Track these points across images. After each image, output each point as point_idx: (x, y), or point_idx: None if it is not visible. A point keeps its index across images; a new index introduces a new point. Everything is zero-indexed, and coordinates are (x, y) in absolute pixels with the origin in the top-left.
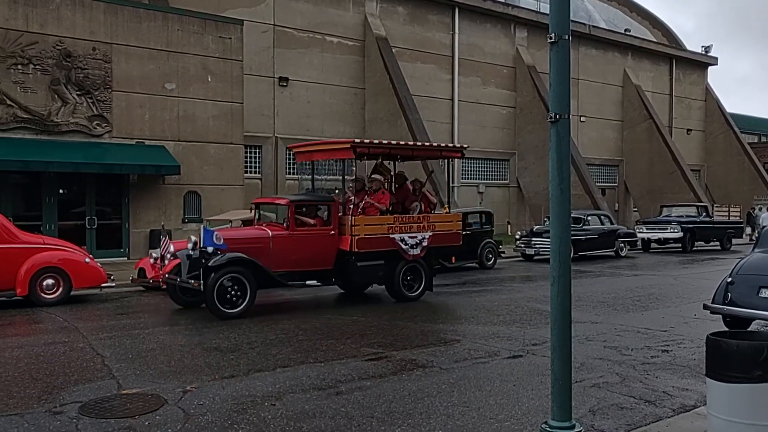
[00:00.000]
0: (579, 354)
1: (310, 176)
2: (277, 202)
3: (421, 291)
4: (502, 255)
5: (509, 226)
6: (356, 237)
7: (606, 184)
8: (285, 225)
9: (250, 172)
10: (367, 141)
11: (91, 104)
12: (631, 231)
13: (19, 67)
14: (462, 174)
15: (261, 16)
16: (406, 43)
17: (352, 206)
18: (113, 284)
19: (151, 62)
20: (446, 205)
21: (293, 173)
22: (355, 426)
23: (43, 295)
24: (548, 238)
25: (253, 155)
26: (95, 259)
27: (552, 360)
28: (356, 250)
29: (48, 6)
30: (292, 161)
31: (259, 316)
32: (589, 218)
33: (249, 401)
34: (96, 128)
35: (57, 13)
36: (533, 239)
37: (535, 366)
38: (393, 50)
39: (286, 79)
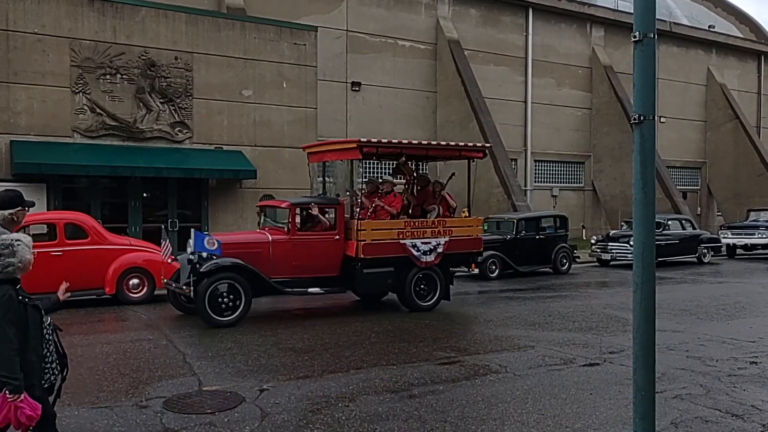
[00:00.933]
0: (660, 364)
1: (329, 178)
2: (278, 205)
3: (436, 300)
4: (577, 260)
5: (584, 230)
6: (362, 242)
7: (687, 188)
8: (286, 229)
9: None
10: (374, 140)
11: (173, 111)
12: (715, 236)
13: (108, 77)
14: (535, 177)
15: (334, 22)
16: (478, 45)
17: (359, 209)
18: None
19: (230, 70)
20: (465, 209)
21: (365, 176)
22: (428, 430)
23: (129, 293)
24: (625, 243)
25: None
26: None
27: (634, 369)
28: (362, 256)
29: (134, 18)
30: (364, 165)
31: (332, 317)
32: (669, 223)
33: (323, 401)
34: (178, 134)
35: (142, 25)
36: (610, 244)
37: (612, 375)
38: (465, 53)
39: (359, 84)
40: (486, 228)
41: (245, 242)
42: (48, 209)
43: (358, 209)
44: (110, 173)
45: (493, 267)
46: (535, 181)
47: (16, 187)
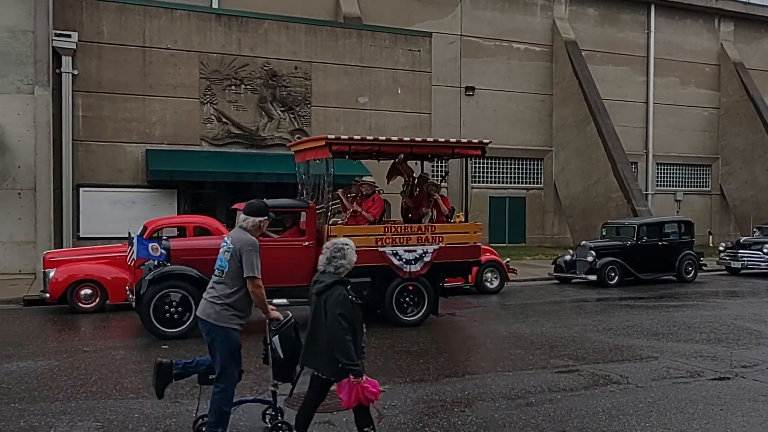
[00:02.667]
0: None
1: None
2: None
3: (423, 314)
4: (704, 268)
5: (711, 236)
6: None
7: None
8: None
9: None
10: (345, 137)
11: (293, 119)
12: None
13: (233, 87)
14: (657, 181)
15: (448, 27)
16: (596, 45)
17: (340, 214)
18: None
19: (346, 78)
20: (460, 213)
21: (479, 181)
22: None
23: None
24: (758, 250)
25: (439, 165)
26: None
27: None
28: None
29: (257, 30)
30: (476, 170)
31: (447, 321)
32: None
33: (439, 405)
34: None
35: (265, 37)
36: (740, 251)
37: (745, 390)
38: (582, 53)
39: (473, 89)
40: (605, 233)
41: (200, 248)
42: (178, 213)
43: (333, 213)
44: (235, 179)
45: (612, 274)
46: (657, 185)
47: (151, 193)
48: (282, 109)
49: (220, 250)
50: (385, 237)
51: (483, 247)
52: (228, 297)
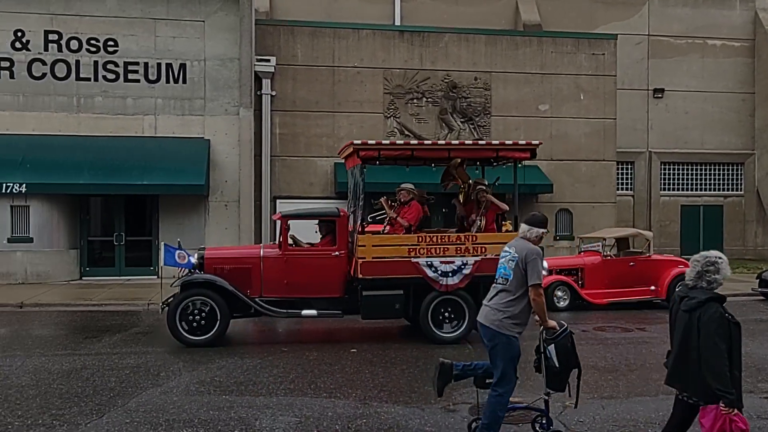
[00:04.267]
0: None
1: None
2: (275, 217)
3: (462, 332)
4: None
5: None
6: (361, 260)
7: None
8: (278, 244)
9: (622, 189)
10: (372, 142)
11: (472, 130)
12: None
13: (415, 101)
14: None
15: (634, 28)
16: None
17: (360, 222)
18: None
19: (526, 86)
20: (507, 221)
21: (668, 188)
22: None
23: None
24: None
25: (625, 171)
26: None
27: None
28: (360, 275)
29: (438, 44)
30: (666, 176)
31: (636, 338)
32: None
33: (630, 425)
34: None
35: (445, 50)
36: None
37: None
38: None
39: (661, 90)
40: None
41: (232, 257)
42: None
43: (359, 222)
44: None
45: None
46: None
47: (339, 203)
48: (462, 120)
49: (503, 259)
50: (419, 247)
51: (674, 258)
52: (511, 304)
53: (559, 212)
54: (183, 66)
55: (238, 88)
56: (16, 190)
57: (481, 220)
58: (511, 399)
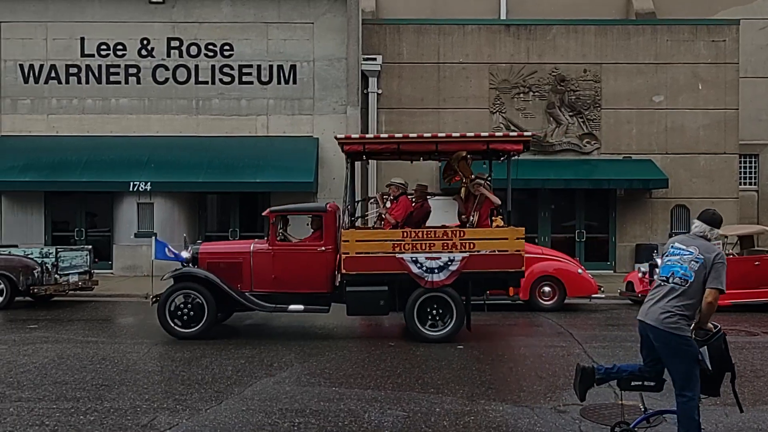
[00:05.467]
0: None
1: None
2: (264, 213)
3: (451, 329)
4: None
5: None
6: (345, 255)
7: None
8: (266, 239)
9: (745, 184)
10: (355, 136)
11: (581, 123)
12: None
13: (521, 95)
14: None
15: (758, 12)
16: None
17: (348, 218)
18: (602, 296)
19: (639, 77)
20: (498, 216)
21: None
22: None
23: (540, 300)
24: None
25: (748, 165)
26: (586, 271)
27: None
28: (344, 271)
29: (545, 37)
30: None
31: (765, 338)
32: None
33: None
34: (586, 146)
35: (553, 43)
36: None
37: None
38: None
39: None
40: None
41: (223, 252)
42: None
43: (349, 218)
44: (523, 186)
45: None
46: None
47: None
48: (570, 113)
49: (677, 257)
50: (404, 242)
51: None
52: (688, 307)
53: (675, 208)
54: (293, 67)
55: (345, 87)
56: (142, 188)
57: (474, 215)
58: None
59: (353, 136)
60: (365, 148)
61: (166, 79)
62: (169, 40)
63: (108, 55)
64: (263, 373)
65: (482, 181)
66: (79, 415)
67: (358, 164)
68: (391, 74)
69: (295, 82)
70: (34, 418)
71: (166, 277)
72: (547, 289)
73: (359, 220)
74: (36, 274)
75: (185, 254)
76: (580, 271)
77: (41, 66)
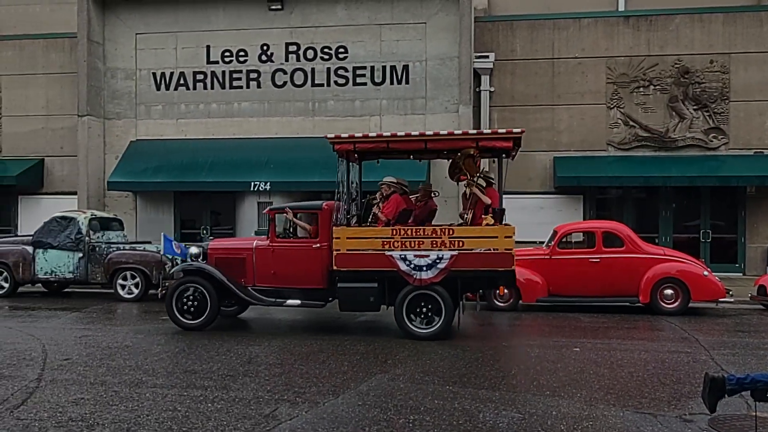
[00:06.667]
0: None
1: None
2: (265, 212)
3: (439, 327)
4: None
5: None
6: (336, 252)
7: None
8: (266, 236)
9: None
10: (345, 135)
11: (707, 117)
12: None
13: (640, 89)
14: None
15: None
16: None
17: (344, 216)
18: (731, 299)
19: None
20: (488, 216)
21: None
22: None
23: (662, 304)
24: None
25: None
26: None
27: None
28: (335, 267)
29: (667, 27)
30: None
31: None
32: None
33: None
34: (712, 141)
35: (676, 33)
36: None
37: None
38: None
39: None
40: None
41: (229, 248)
42: (584, 219)
43: (339, 215)
44: (642, 183)
45: None
46: None
47: (558, 198)
48: (695, 107)
49: None
50: (393, 240)
51: None
52: None
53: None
54: (406, 67)
55: (457, 86)
56: (262, 188)
57: (468, 214)
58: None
59: (343, 135)
60: (356, 147)
61: (285, 83)
62: (287, 45)
63: (231, 61)
64: (378, 369)
65: (475, 180)
66: (207, 403)
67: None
68: (504, 71)
69: (407, 82)
70: (168, 404)
71: (175, 270)
72: (669, 291)
73: (354, 218)
74: (167, 269)
75: (194, 249)
76: (705, 273)
77: (171, 74)
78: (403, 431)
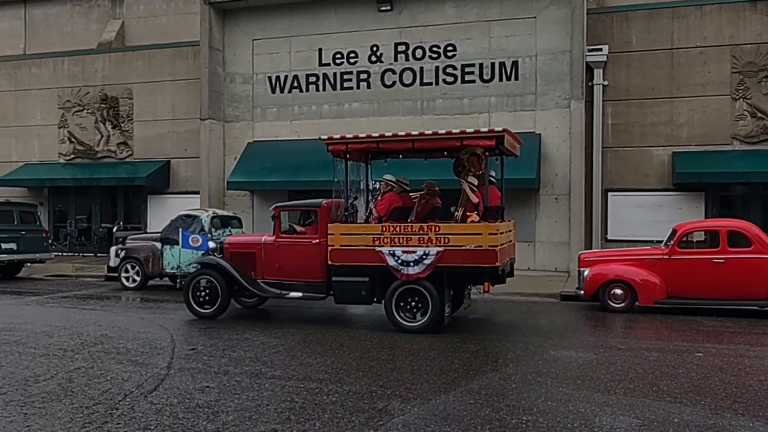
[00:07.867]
0: None
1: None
2: (271, 209)
3: (426, 321)
4: None
5: None
6: (331, 247)
7: None
8: (272, 232)
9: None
10: (337, 136)
11: None
12: None
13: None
14: None
15: None
16: None
17: (345, 213)
18: None
19: None
20: (473, 213)
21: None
22: None
23: None
24: None
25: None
26: None
27: None
28: (329, 262)
29: None
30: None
31: None
32: None
33: None
34: None
35: None
36: None
37: None
38: None
39: None
40: None
41: (242, 243)
42: (705, 217)
43: (345, 213)
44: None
45: None
46: None
47: (677, 196)
48: None
49: None
50: (382, 236)
51: None
52: None
53: None
54: (515, 63)
55: (569, 81)
56: (370, 186)
57: (459, 211)
58: None
59: (335, 136)
60: (348, 148)
61: (394, 83)
62: (396, 45)
63: (342, 63)
64: (488, 368)
65: (466, 178)
66: (323, 396)
67: (587, 157)
68: (618, 64)
69: (516, 78)
70: (285, 395)
71: (192, 263)
72: None
73: (352, 215)
74: None
75: (212, 244)
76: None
77: (285, 77)
78: (515, 431)
